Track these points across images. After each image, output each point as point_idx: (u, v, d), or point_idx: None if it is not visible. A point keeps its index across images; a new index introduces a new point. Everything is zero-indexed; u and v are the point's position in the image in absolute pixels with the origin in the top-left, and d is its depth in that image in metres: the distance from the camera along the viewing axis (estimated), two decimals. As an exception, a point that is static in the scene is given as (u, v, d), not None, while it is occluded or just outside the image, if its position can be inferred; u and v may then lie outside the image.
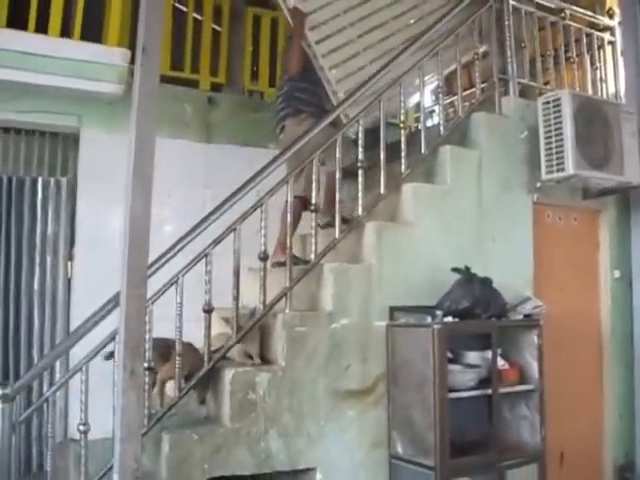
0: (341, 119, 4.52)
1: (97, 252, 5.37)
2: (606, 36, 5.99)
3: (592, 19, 6.08)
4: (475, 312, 3.92)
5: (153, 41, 2.43)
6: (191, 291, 3.68)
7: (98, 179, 5.53)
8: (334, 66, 4.99)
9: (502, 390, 3.94)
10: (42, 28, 5.36)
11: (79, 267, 5.61)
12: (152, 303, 3.58)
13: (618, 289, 5.50)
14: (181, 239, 3.66)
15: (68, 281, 5.68)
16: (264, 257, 3.82)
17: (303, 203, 4.40)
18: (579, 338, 5.19)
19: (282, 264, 4.20)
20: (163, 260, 3.58)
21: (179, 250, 3.62)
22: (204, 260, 3.69)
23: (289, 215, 4.03)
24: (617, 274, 5.49)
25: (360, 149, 4.20)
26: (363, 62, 5.00)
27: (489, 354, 3.93)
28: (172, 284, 3.69)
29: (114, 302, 3.36)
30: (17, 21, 5.34)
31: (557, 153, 4.60)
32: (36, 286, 5.62)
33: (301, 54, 4.84)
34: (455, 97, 5.12)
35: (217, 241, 3.72)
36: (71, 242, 5.69)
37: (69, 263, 5.69)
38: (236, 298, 3.74)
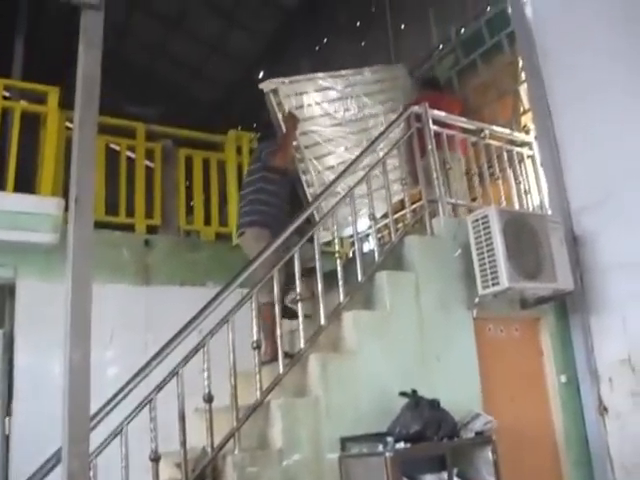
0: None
1: (37, 405, 5.20)
2: (525, 151, 6.32)
3: (510, 136, 6.43)
4: (426, 435, 3.87)
5: (86, 191, 2.45)
6: (138, 437, 3.58)
7: (36, 329, 5.44)
8: (319, 171, 5.53)
9: (462, 513, 3.88)
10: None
11: (18, 423, 5.39)
12: (96, 457, 3.48)
13: (567, 394, 5.50)
14: (123, 387, 3.60)
15: (6, 438, 5.44)
16: (209, 399, 3.75)
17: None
18: (535, 447, 5.16)
19: (271, 361, 4.39)
20: (106, 410, 3.52)
21: (122, 399, 3.56)
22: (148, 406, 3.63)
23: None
24: (564, 379, 5.51)
25: (297, 282, 4.26)
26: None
27: (445, 475, 3.87)
28: (116, 435, 3.60)
29: (55, 459, 3.26)
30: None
31: (491, 268, 4.71)
32: (-29, 445, 5.37)
33: (290, 154, 5.32)
34: (388, 220, 5.25)
35: (160, 387, 3.67)
36: (9, 396, 5.50)
37: (7, 419, 5.48)
38: (183, 444, 3.65)
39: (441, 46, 8.68)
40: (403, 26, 9.68)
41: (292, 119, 5.42)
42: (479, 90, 8.00)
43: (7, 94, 6.82)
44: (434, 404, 4.00)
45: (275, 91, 5.50)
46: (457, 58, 8.30)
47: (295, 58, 12.13)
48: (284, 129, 5.44)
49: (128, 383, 3.60)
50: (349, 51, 10.40)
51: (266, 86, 5.47)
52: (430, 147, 5.33)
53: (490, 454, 4.09)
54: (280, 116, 5.50)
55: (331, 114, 5.94)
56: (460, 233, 5.05)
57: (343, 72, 6.38)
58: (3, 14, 11.11)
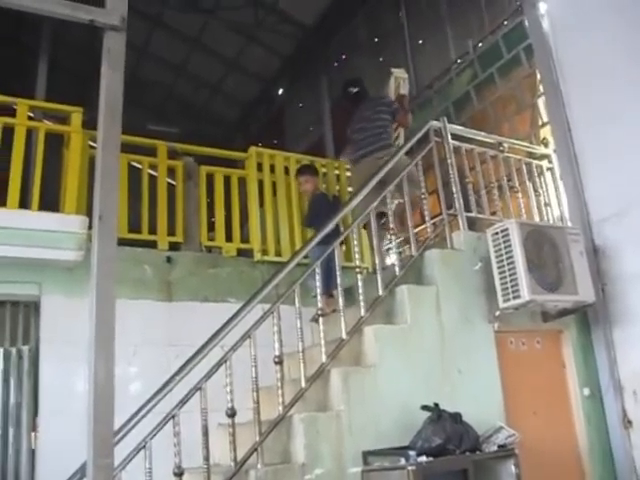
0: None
1: (62, 420, 5.22)
2: (544, 163, 6.32)
3: (529, 149, 6.44)
4: (448, 448, 3.87)
5: (109, 209, 2.48)
6: (162, 452, 3.62)
7: (61, 344, 5.46)
8: None
9: (486, 527, 3.86)
10: (0, 202, 5.46)
11: (43, 437, 5.40)
12: (120, 471, 3.51)
13: (590, 407, 5.47)
14: (147, 402, 3.65)
15: (32, 453, 5.45)
16: (232, 414, 3.78)
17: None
18: (559, 461, 5.11)
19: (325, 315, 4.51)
20: (130, 425, 3.55)
21: (146, 414, 3.59)
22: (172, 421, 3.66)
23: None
24: (587, 392, 5.48)
25: (318, 298, 4.30)
26: None
27: (468, 490, 3.87)
28: (140, 449, 3.63)
29: (80, 474, 3.29)
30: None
31: (511, 281, 4.70)
32: (-2, 460, 5.40)
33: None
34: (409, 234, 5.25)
35: (183, 402, 3.70)
36: (34, 411, 5.54)
37: (33, 434, 5.51)
38: (206, 458, 3.67)
39: (459, 60, 8.74)
40: (421, 41, 9.75)
41: (404, 100, 6.59)
42: (497, 104, 8.03)
43: (31, 115, 6.92)
44: (456, 418, 4.00)
45: (397, 78, 6.68)
46: (475, 72, 8.35)
47: (313, 74, 12.22)
48: (397, 104, 6.42)
49: (152, 398, 3.64)
50: (368, 67, 10.46)
51: (397, 72, 6.72)
52: (450, 161, 5.34)
53: (513, 468, 4.07)
54: (393, 95, 6.58)
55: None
56: (480, 246, 5.07)
57: None
58: (27, 36, 11.36)
